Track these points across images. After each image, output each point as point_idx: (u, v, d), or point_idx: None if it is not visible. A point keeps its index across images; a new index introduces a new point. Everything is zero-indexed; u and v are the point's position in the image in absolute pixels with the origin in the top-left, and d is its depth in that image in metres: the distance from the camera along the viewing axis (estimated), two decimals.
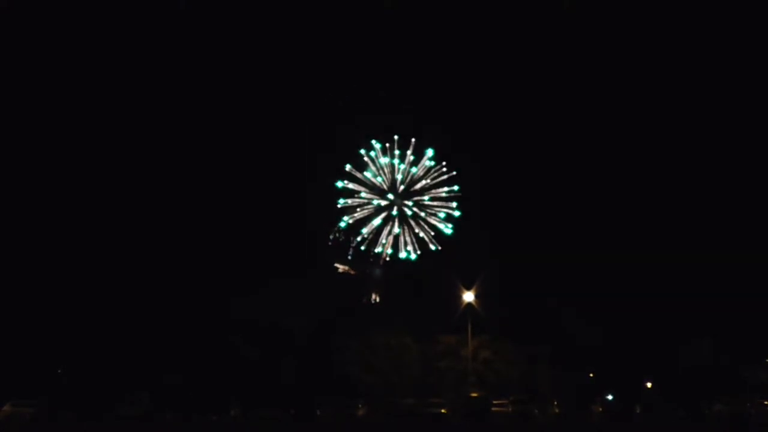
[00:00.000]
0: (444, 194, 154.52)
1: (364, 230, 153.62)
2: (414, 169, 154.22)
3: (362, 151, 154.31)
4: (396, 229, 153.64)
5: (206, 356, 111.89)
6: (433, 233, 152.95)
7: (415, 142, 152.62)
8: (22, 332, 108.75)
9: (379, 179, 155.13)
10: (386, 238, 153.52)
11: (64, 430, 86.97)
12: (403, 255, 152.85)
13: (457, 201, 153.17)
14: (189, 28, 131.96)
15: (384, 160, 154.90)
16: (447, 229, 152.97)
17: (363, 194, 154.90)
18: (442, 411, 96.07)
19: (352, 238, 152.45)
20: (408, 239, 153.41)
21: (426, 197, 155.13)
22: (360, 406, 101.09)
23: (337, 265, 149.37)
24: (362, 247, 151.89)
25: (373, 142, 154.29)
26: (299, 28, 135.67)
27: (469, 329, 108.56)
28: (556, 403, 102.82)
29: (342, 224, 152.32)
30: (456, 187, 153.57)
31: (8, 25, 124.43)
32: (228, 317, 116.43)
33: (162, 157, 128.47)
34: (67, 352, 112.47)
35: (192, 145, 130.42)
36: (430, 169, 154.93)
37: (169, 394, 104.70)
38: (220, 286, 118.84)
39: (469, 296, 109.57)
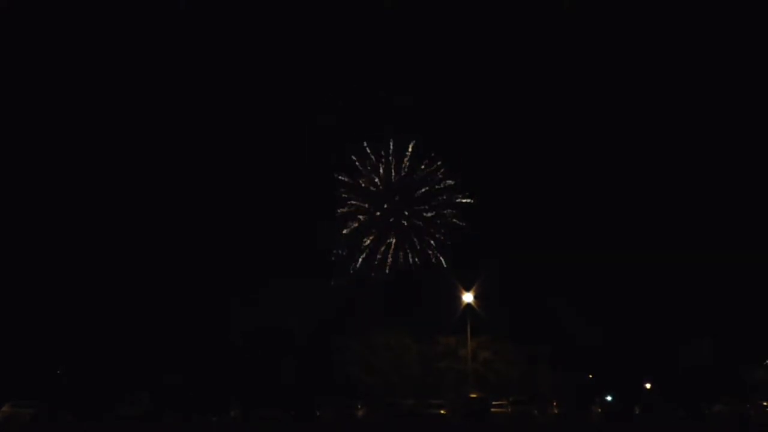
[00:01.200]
0: (451, 204, 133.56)
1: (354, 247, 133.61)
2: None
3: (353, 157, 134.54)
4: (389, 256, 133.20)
5: (206, 356, 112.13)
6: (438, 253, 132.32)
7: (413, 144, 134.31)
8: (21, 332, 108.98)
9: (371, 187, 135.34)
10: (382, 259, 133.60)
11: (64, 430, 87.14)
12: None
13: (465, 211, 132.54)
14: (189, 28, 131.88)
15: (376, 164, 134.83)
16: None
17: (352, 203, 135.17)
18: (442, 412, 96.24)
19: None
20: (409, 260, 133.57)
21: (428, 208, 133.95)
22: (360, 406, 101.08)
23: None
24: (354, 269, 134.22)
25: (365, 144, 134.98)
26: (299, 28, 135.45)
27: (468, 330, 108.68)
28: (555, 403, 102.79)
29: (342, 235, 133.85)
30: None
31: (8, 25, 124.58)
32: (228, 317, 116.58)
33: (162, 157, 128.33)
34: (66, 352, 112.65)
35: (193, 145, 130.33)
36: (431, 172, 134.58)
37: (169, 394, 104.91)
38: (220, 285, 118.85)
39: (468, 297, 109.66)
